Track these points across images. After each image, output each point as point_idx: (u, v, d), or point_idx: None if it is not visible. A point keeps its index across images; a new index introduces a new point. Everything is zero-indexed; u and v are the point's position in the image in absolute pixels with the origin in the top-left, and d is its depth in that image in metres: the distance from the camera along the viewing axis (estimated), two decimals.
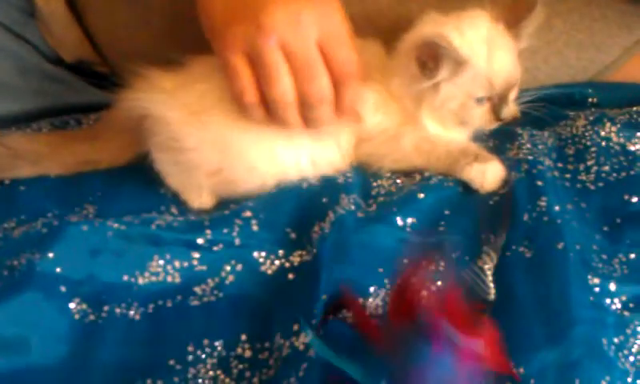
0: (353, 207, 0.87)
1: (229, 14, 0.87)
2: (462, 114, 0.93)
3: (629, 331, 0.77)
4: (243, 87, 0.86)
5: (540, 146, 0.95)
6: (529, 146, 0.95)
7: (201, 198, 0.93)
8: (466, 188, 0.92)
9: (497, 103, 0.93)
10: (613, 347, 0.75)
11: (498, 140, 0.98)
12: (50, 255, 0.82)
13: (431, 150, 0.94)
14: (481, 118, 0.94)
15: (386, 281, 0.82)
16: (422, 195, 0.89)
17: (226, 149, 0.90)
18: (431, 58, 0.89)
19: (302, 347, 0.77)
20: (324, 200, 0.89)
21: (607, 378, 0.72)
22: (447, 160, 0.93)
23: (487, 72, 0.91)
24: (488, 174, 0.91)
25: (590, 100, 1.04)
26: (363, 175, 0.94)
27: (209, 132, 0.90)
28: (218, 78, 0.90)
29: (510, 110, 0.95)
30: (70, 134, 1.04)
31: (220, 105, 0.90)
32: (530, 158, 0.92)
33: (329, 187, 0.91)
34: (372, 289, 0.81)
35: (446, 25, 0.92)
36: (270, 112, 0.87)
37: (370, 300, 0.80)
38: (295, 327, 0.78)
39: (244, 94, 0.87)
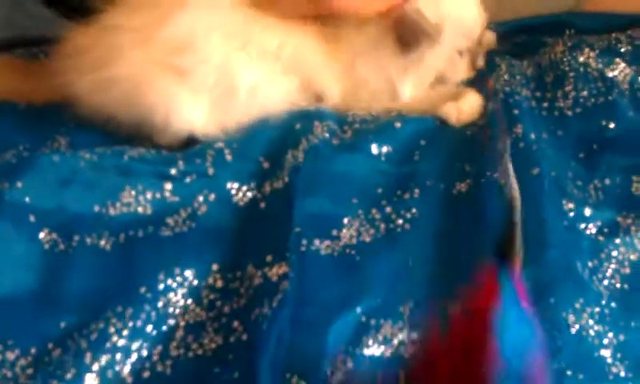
0: (327, 135, 0.86)
1: None
2: (448, 71, 0.93)
3: (603, 256, 0.77)
4: None
5: (518, 77, 0.95)
6: (506, 76, 0.94)
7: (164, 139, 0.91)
8: (444, 121, 0.91)
9: (474, 51, 0.92)
10: (587, 271, 0.75)
11: (477, 71, 0.97)
12: (19, 185, 0.81)
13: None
14: (462, 71, 0.94)
15: (359, 211, 0.81)
16: (398, 124, 0.89)
17: (136, 101, 0.89)
18: (410, 33, 0.88)
19: (275, 278, 0.76)
20: (297, 127, 0.87)
21: (581, 300, 0.72)
22: (426, 106, 0.93)
23: (464, 24, 0.90)
24: (464, 107, 0.91)
25: (568, 28, 1.03)
26: None
27: (119, 88, 0.89)
28: (129, 19, 0.89)
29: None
30: (5, 61, 1.02)
31: (128, 52, 0.88)
32: (507, 88, 0.92)
33: (302, 114, 0.90)
34: (346, 220, 0.80)
35: None
36: None
37: (344, 231, 0.79)
38: (268, 258, 0.77)
39: None
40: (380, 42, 0.90)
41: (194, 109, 0.89)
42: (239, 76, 0.89)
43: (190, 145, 0.90)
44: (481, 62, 0.94)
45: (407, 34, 0.88)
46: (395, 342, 0.73)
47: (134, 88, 0.88)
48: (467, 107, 0.91)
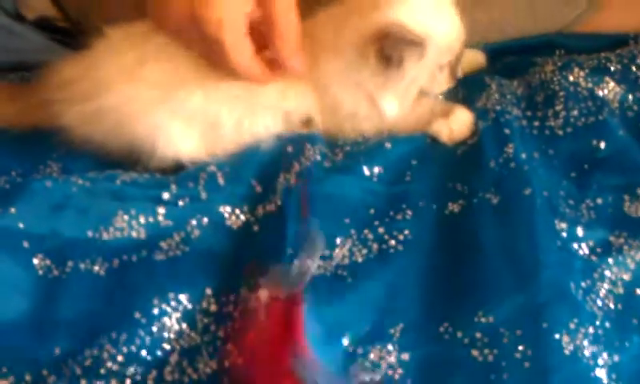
0: (318, 157, 0.86)
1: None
2: (428, 86, 0.93)
3: (596, 275, 0.77)
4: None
5: (508, 96, 0.95)
6: (497, 96, 0.94)
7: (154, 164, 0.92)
8: (435, 139, 0.92)
9: (454, 63, 0.92)
10: (580, 291, 0.75)
11: (467, 90, 0.97)
12: (13, 210, 0.81)
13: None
14: (443, 83, 0.94)
15: (352, 231, 0.81)
16: (389, 145, 0.89)
17: (124, 134, 0.90)
18: (393, 49, 0.87)
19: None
20: (289, 150, 0.88)
21: (575, 321, 0.72)
22: (417, 124, 0.93)
23: (446, 39, 0.90)
24: (454, 125, 0.91)
25: (558, 48, 1.04)
26: None
27: (107, 120, 0.89)
28: (120, 58, 0.90)
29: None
30: None
31: (117, 86, 0.89)
32: (498, 107, 0.92)
33: (293, 138, 0.90)
34: (338, 240, 0.81)
35: (392, 6, 0.89)
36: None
37: (337, 250, 0.80)
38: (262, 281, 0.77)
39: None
40: (356, 62, 0.89)
41: (182, 138, 0.90)
42: (223, 112, 0.90)
43: (181, 168, 0.90)
44: (460, 74, 0.94)
45: (390, 50, 0.87)
46: (384, 365, 0.73)
47: (122, 119, 0.88)
48: (458, 125, 0.91)
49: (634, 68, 0.95)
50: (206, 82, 0.88)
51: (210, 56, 0.86)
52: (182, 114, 0.89)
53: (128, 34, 0.92)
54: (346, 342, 0.75)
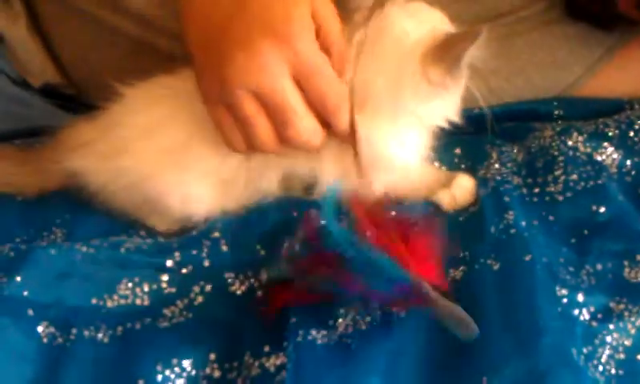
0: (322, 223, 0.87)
1: (202, 58, 0.86)
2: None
3: (597, 341, 0.77)
4: (227, 139, 0.86)
5: (509, 164, 0.96)
6: (497, 165, 0.95)
7: (163, 224, 0.93)
8: (437, 207, 0.93)
9: None
10: (582, 357, 0.75)
11: (470, 161, 0.98)
12: (18, 279, 0.82)
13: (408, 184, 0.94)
14: None
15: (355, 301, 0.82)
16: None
17: (141, 191, 0.90)
18: (455, 52, 0.85)
19: (272, 369, 0.76)
20: (294, 214, 0.89)
21: None
22: (423, 192, 0.94)
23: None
24: (457, 192, 0.92)
25: (555, 113, 1.05)
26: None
27: (124, 177, 0.90)
28: (137, 118, 0.90)
29: None
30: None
31: (133, 146, 0.90)
32: (498, 177, 0.93)
33: (299, 202, 0.91)
34: (342, 309, 0.80)
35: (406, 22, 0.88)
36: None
37: (340, 320, 0.80)
38: (266, 348, 0.78)
39: (230, 144, 0.86)
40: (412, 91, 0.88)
41: (196, 196, 0.90)
42: (236, 170, 0.91)
43: (186, 230, 0.91)
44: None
45: (453, 56, 0.85)
46: None
47: (137, 177, 0.89)
48: (460, 192, 0.92)
49: (631, 133, 0.96)
50: (218, 140, 0.88)
51: (257, 129, 0.84)
52: (197, 172, 0.90)
53: (144, 92, 0.92)
54: None
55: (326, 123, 0.85)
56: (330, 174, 0.91)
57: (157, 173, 0.89)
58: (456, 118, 0.91)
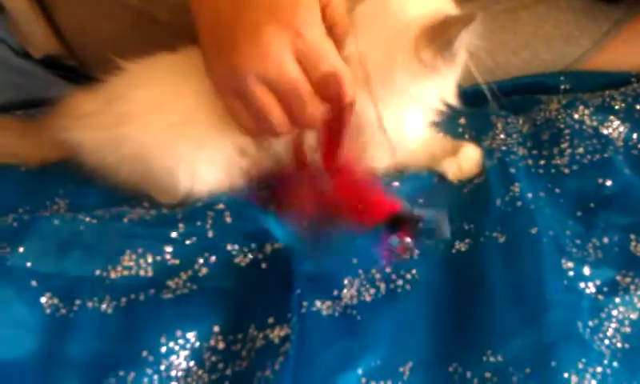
0: None
1: (212, 46, 0.86)
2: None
3: (603, 315, 0.77)
4: (240, 124, 0.87)
5: (514, 135, 0.95)
6: (502, 135, 0.95)
7: (164, 197, 0.92)
8: (442, 177, 0.92)
9: None
10: (588, 330, 0.75)
11: (474, 131, 0.98)
12: (21, 249, 0.82)
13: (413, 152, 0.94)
14: None
15: (359, 271, 0.82)
16: (396, 184, 0.90)
17: (144, 163, 0.89)
18: (449, 35, 0.84)
19: (277, 340, 0.76)
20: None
21: (583, 360, 0.72)
22: (427, 161, 0.93)
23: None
24: (463, 162, 0.92)
25: (562, 87, 1.04)
26: None
27: (126, 148, 0.89)
28: (141, 93, 0.90)
29: None
30: (2, 121, 1.03)
31: (140, 119, 0.89)
32: (504, 147, 0.93)
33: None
34: (346, 280, 0.81)
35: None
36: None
37: (345, 291, 0.80)
38: (270, 320, 0.77)
39: (243, 129, 0.87)
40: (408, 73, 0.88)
41: (205, 172, 0.90)
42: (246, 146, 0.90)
43: (189, 202, 0.91)
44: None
45: (446, 38, 0.85)
46: None
47: (141, 148, 0.88)
48: (467, 162, 0.92)
49: (638, 106, 0.95)
50: (228, 120, 0.88)
51: (269, 114, 0.85)
52: (207, 148, 0.89)
53: (148, 68, 0.92)
54: (360, 371, 0.75)
55: None
56: None
57: (162, 147, 0.88)
58: (453, 100, 0.91)
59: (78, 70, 1.16)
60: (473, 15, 0.82)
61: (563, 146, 0.92)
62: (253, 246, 0.84)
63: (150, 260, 0.83)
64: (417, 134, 0.92)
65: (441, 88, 0.89)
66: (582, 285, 0.79)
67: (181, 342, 0.78)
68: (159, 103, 0.89)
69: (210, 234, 0.85)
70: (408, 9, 0.86)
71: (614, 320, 0.77)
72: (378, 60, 0.86)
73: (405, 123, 0.90)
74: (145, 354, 0.77)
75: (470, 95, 0.93)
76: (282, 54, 0.81)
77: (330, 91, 0.83)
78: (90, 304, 0.80)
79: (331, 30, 0.84)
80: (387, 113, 0.87)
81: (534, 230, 0.81)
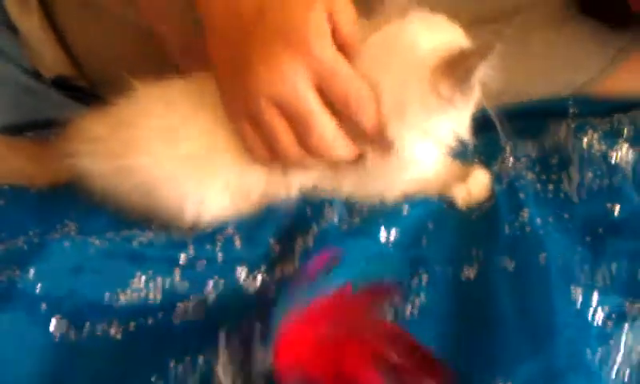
0: (336, 220, 0.87)
1: (225, 69, 0.87)
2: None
3: (612, 342, 0.76)
4: (250, 150, 0.88)
5: (523, 159, 0.96)
6: (511, 159, 0.95)
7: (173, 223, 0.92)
8: (451, 202, 0.93)
9: None
10: (596, 359, 0.75)
11: (484, 155, 0.98)
12: (31, 272, 0.82)
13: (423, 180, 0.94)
14: None
15: None
16: (406, 208, 0.90)
17: (151, 192, 0.90)
18: (465, 68, 0.84)
19: None
20: (308, 212, 0.89)
21: None
22: (438, 187, 0.93)
23: None
24: (473, 187, 0.92)
25: (571, 111, 1.04)
26: None
27: (134, 178, 0.90)
28: (150, 120, 0.90)
29: None
30: (12, 143, 1.03)
31: (149, 147, 0.90)
32: (513, 172, 0.93)
33: (313, 200, 0.91)
34: None
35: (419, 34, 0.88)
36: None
37: None
38: None
39: (253, 155, 0.88)
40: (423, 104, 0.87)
41: (213, 205, 0.90)
42: (254, 180, 0.91)
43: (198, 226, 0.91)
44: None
45: (462, 72, 0.85)
46: None
47: (150, 179, 0.89)
48: (476, 187, 0.92)
49: None
50: (240, 149, 0.89)
51: (280, 138, 0.85)
52: (216, 182, 0.90)
53: (160, 93, 0.92)
54: None
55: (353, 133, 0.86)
56: (349, 190, 0.92)
57: (170, 177, 0.89)
58: (466, 134, 0.91)
59: (88, 90, 1.17)
60: (491, 47, 0.82)
61: (572, 170, 0.92)
62: (262, 269, 0.85)
63: (159, 283, 0.83)
64: (428, 167, 0.91)
65: (455, 122, 0.89)
66: (591, 312, 0.78)
67: (190, 365, 0.78)
68: (168, 131, 0.89)
69: (220, 257, 0.85)
70: (421, 40, 0.86)
71: (622, 348, 0.76)
72: (391, 91, 0.86)
73: (417, 156, 0.89)
74: (154, 378, 0.77)
75: (479, 120, 0.93)
76: (296, 77, 0.82)
77: (349, 109, 0.84)
78: (99, 328, 0.80)
79: (341, 50, 0.85)
80: (399, 145, 0.87)
81: (542, 256, 0.81)
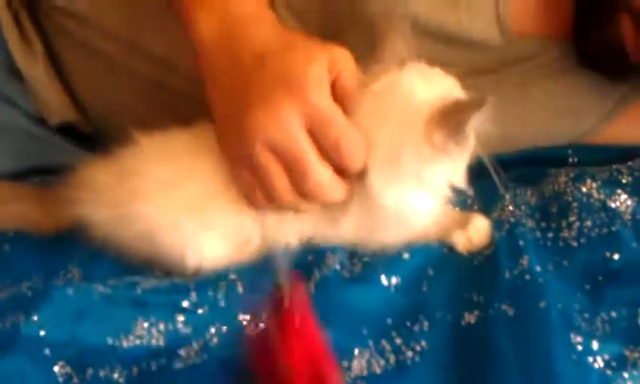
0: (338, 267, 0.88)
1: (224, 114, 0.89)
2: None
3: None
4: (246, 195, 0.89)
5: (523, 207, 0.96)
6: (511, 207, 0.96)
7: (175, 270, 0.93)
8: (451, 248, 0.93)
9: None
10: None
11: (483, 202, 0.99)
12: (35, 318, 0.82)
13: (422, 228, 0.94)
14: None
15: (369, 342, 0.82)
16: (406, 255, 0.90)
17: (152, 241, 0.91)
18: (460, 119, 0.85)
19: None
20: (310, 258, 0.90)
21: None
22: (438, 234, 0.94)
23: None
24: (473, 234, 0.93)
25: (570, 160, 1.05)
26: None
27: (136, 226, 0.91)
28: (153, 166, 0.92)
29: None
30: (17, 188, 1.04)
31: (152, 196, 0.91)
32: (512, 219, 0.94)
33: (315, 247, 0.92)
34: (356, 351, 0.81)
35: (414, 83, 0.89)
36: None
37: (355, 362, 0.80)
38: None
39: (248, 200, 0.89)
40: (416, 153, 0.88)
41: (212, 252, 0.91)
42: (253, 228, 0.92)
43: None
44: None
45: (457, 123, 0.85)
46: None
47: (152, 227, 0.90)
48: (476, 234, 0.93)
49: None
50: (238, 198, 0.90)
51: (275, 182, 0.87)
52: (216, 230, 0.91)
53: (163, 144, 0.94)
54: None
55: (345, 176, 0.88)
56: (347, 239, 0.92)
57: (171, 226, 0.90)
58: (462, 183, 0.92)
59: (94, 137, 1.18)
60: (483, 100, 0.83)
61: (571, 218, 0.93)
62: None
63: (162, 328, 0.84)
64: (425, 215, 0.92)
65: (450, 172, 0.90)
66: (591, 359, 0.79)
67: None
68: (169, 181, 0.91)
69: (222, 303, 0.86)
70: (418, 92, 0.87)
71: None
72: (386, 141, 0.87)
73: (413, 205, 0.90)
74: None
75: (479, 167, 0.94)
76: (292, 123, 0.84)
77: (340, 156, 0.85)
78: (102, 373, 0.80)
79: (340, 102, 0.87)
80: (395, 194, 0.88)
81: (542, 304, 0.81)
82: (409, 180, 0.88)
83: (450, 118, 0.85)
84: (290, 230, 0.92)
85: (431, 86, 0.88)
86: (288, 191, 0.87)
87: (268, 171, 0.86)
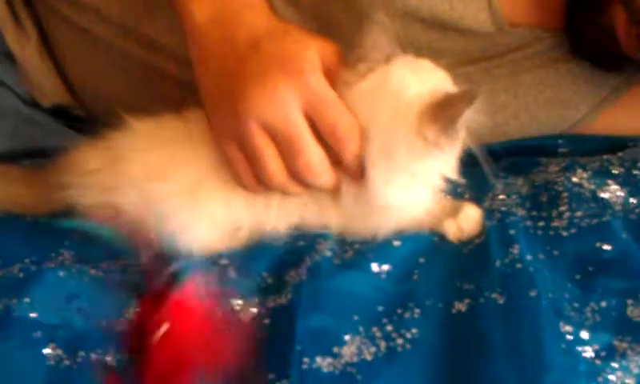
0: (329, 253, 0.88)
1: (216, 96, 0.89)
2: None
3: (600, 379, 0.77)
4: (238, 173, 0.89)
5: (514, 196, 0.97)
6: (502, 196, 0.96)
7: None
8: (442, 237, 0.93)
9: None
10: None
11: (474, 191, 0.99)
12: (26, 300, 0.82)
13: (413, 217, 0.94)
14: None
15: (360, 328, 0.82)
16: (397, 243, 0.91)
17: (142, 227, 0.91)
18: (452, 113, 0.86)
19: None
20: (300, 244, 0.90)
21: None
22: (429, 222, 0.94)
23: None
24: (464, 223, 0.93)
25: (561, 150, 1.06)
26: None
27: (125, 214, 0.91)
28: (144, 156, 0.92)
29: None
30: (9, 171, 1.04)
31: (143, 184, 0.91)
32: (504, 208, 0.94)
33: (306, 234, 0.92)
34: (347, 337, 0.81)
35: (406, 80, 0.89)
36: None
37: (345, 348, 0.80)
38: (271, 375, 0.78)
39: (240, 180, 0.89)
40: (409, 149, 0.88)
41: (203, 240, 0.91)
42: (245, 216, 0.92)
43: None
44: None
45: (449, 117, 0.86)
46: None
47: (142, 215, 0.90)
48: (467, 223, 0.93)
49: (635, 171, 0.97)
50: (231, 185, 0.91)
51: (267, 162, 0.87)
52: (207, 218, 0.91)
53: (155, 130, 0.94)
54: None
55: (336, 163, 0.88)
56: (337, 227, 0.93)
57: (162, 214, 0.90)
58: (454, 175, 0.92)
59: (86, 119, 1.18)
60: (475, 94, 0.83)
61: (562, 208, 0.93)
62: (256, 300, 0.85)
63: None
64: (418, 206, 0.93)
65: (442, 165, 0.90)
66: (580, 349, 0.79)
67: None
68: (158, 168, 0.91)
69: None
70: (408, 87, 0.88)
71: None
72: (379, 137, 0.87)
73: (406, 198, 0.91)
74: None
75: (470, 156, 0.94)
76: (288, 102, 0.84)
77: (336, 140, 0.86)
78: (93, 356, 0.81)
79: None
80: (388, 189, 0.89)
81: (533, 293, 0.81)
82: (402, 175, 0.88)
83: (442, 113, 0.85)
84: (278, 217, 0.92)
85: (421, 81, 0.88)
86: (279, 172, 0.87)
87: (261, 151, 0.86)
